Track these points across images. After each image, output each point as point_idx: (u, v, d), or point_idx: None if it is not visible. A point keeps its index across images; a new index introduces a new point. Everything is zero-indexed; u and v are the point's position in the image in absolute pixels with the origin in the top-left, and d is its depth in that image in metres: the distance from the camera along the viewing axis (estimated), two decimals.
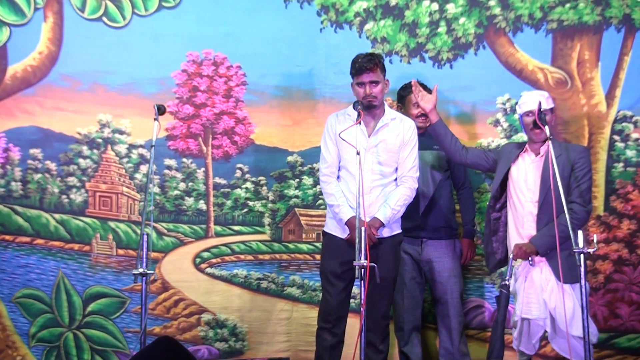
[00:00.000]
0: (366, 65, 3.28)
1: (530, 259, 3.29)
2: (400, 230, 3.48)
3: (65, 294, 3.97)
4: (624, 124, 3.95)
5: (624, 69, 3.92)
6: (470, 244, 3.88)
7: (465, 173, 3.89)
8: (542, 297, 3.28)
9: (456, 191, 3.89)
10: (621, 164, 3.95)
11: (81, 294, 3.98)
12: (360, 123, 3.18)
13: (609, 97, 3.95)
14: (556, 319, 3.26)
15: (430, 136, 3.81)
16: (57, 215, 3.98)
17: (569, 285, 3.21)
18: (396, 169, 3.41)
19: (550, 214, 3.19)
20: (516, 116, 3.67)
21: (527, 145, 3.46)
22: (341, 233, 3.39)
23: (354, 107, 3.26)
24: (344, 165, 3.40)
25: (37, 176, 3.97)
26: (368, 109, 3.31)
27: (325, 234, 3.51)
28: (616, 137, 3.95)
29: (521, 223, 3.38)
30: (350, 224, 3.30)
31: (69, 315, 3.98)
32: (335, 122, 3.43)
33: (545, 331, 3.36)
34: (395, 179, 3.42)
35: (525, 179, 3.39)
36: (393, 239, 3.42)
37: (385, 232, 3.38)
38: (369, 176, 3.29)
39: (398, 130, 3.39)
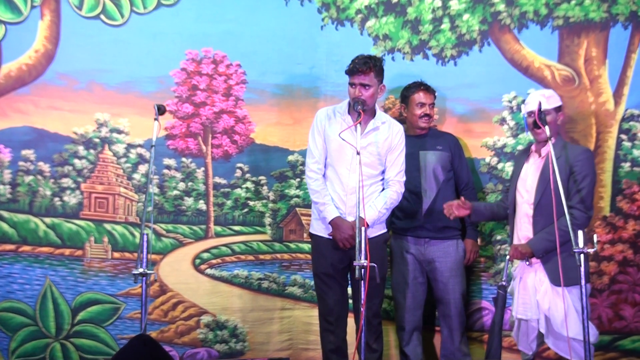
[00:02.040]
0: (358, 67, 3.27)
1: (527, 259, 3.31)
2: (385, 230, 3.52)
3: (52, 303, 3.87)
4: (631, 122, 3.89)
5: (632, 67, 3.87)
6: (473, 244, 3.84)
7: (469, 173, 3.85)
8: (536, 298, 3.30)
9: (459, 191, 3.84)
10: (628, 164, 3.89)
11: (70, 302, 3.88)
12: (360, 123, 3.13)
13: (617, 95, 3.89)
14: (551, 320, 3.26)
15: (433, 136, 3.79)
16: (47, 219, 3.88)
17: (565, 287, 3.18)
18: (382, 172, 3.42)
19: (545, 216, 3.22)
20: (521, 115, 3.63)
21: (532, 147, 3.48)
22: (326, 233, 3.41)
23: (354, 108, 3.23)
24: (330, 164, 3.41)
25: (28, 178, 3.87)
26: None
27: (311, 235, 3.54)
28: (623, 136, 3.89)
29: (518, 224, 3.41)
30: (333, 223, 3.34)
31: (55, 326, 3.88)
32: (325, 117, 3.43)
33: (540, 332, 3.35)
34: (381, 180, 3.44)
35: (525, 180, 3.41)
36: (378, 239, 3.44)
37: (369, 233, 3.33)
38: (355, 177, 3.25)
39: (386, 134, 3.41)
